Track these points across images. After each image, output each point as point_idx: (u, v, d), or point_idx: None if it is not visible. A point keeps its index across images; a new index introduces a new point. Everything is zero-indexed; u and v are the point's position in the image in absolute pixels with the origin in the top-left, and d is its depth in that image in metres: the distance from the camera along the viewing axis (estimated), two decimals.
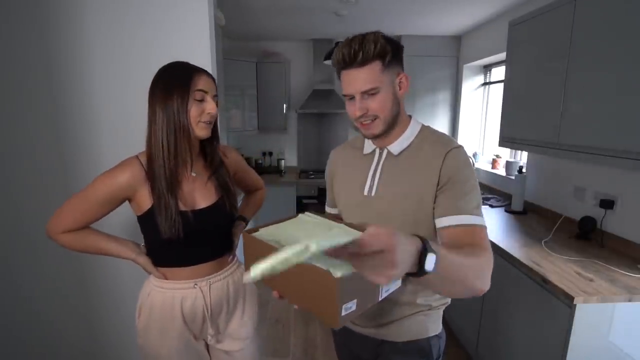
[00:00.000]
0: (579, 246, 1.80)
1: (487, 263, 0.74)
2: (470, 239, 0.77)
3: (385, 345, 0.98)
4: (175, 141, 0.96)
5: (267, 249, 0.75)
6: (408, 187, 0.87)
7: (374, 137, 0.89)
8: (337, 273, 0.63)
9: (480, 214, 0.80)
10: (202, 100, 0.97)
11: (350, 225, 0.85)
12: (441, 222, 0.81)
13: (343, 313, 0.66)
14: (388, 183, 0.90)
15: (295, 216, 0.93)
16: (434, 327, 0.98)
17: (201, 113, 0.97)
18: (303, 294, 0.74)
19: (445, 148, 0.85)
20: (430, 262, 0.55)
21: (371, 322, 0.97)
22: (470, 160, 0.87)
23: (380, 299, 0.76)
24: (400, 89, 0.86)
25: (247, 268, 0.84)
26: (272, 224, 0.87)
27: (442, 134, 0.92)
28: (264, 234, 0.82)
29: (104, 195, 0.97)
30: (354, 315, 0.70)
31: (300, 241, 0.72)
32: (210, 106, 0.98)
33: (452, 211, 0.80)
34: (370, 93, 0.82)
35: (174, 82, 0.95)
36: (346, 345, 1.09)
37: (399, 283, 0.79)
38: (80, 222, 1.01)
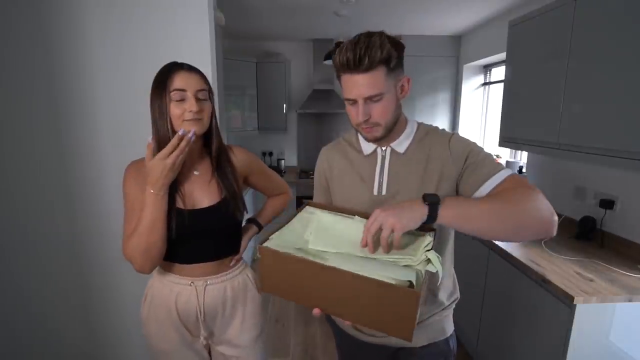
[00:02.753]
0: (579, 246, 1.80)
1: (529, 197, 0.75)
2: (513, 188, 0.80)
3: (401, 352, 0.95)
4: (160, 145, 0.95)
5: (296, 263, 0.71)
6: (421, 181, 0.87)
7: (375, 140, 0.89)
8: (412, 279, 0.62)
9: (502, 167, 0.84)
10: (182, 100, 0.94)
11: (351, 212, 0.86)
12: (481, 193, 0.82)
13: (417, 321, 0.64)
14: (399, 181, 0.89)
15: (297, 213, 0.90)
16: (449, 326, 0.97)
17: (183, 112, 0.95)
18: (360, 309, 0.69)
19: (446, 137, 0.89)
20: (430, 198, 0.72)
21: None
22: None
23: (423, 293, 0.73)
24: (401, 92, 0.85)
25: (265, 286, 0.79)
26: (277, 228, 0.83)
27: (437, 127, 0.94)
28: (279, 243, 0.77)
29: (134, 194, 0.98)
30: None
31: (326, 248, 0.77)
32: (189, 104, 0.94)
33: (482, 179, 0.82)
34: (374, 99, 0.80)
35: (155, 86, 0.96)
36: (354, 356, 1.05)
37: (440, 273, 0.72)
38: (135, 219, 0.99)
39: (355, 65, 0.77)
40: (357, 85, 0.79)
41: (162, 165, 0.89)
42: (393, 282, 0.62)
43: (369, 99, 0.80)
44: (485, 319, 1.99)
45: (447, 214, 0.71)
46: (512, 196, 0.75)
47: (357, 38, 0.78)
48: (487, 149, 0.93)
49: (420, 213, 0.71)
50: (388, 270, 0.66)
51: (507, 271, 1.75)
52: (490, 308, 1.94)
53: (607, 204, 1.80)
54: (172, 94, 0.93)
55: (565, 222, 2.05)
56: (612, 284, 1.40)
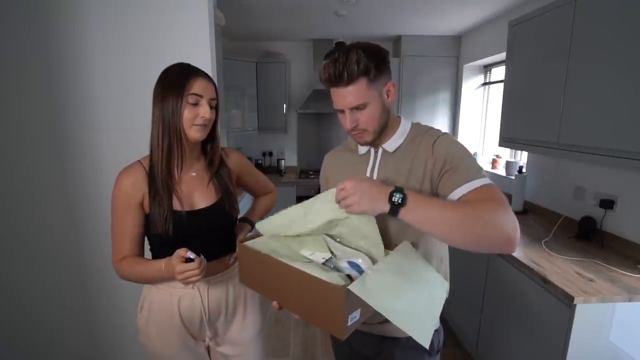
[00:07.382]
0: (579, 246, 1.80)
1: (494, 210, 0.74)
2: (483, 199, 0.79)
3: (387, 342, 1.00)
4: (169, 142, 0.97)
5: (262, 259, 0.81)
6: (406, 180, 0.91)
7: (367, 144, 0.96)
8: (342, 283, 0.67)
9: (480, 175, 0.82)
10: (196, 104, 0.97)
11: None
12: (452, 197, 0.83)
13: (349, 323, 0.68)
14: (386, 177, 0.94)
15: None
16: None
17: (195, 117, 0.97)
18: (305, 304, 0.75)
19: (432, 138, 0.91)
20: (397, 197, 0.74)
21: (373, 319, 0.97)
22: (458, 140, 0.92)
23: None
24: (388, 97, 0.90)
25: (242, 277, 0.90)
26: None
27: (430, 127, 0.97)
28: (257, 243, 0.87)
29: (123, 206, 1.00)
30: (357, 324, 0.72)
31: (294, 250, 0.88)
32: (203, 110, 0.97)
33: (457, 184, 0.82)
34: (359, 108, 0.87)
35: (169, 84, 0.96)
36: (346, 344, 1.09)
37: None
38: (124, 240, 1.01)
39: (337, 80, 0.84)
40: (342, 98, 0.87)
41: (180, 277, 0.91)
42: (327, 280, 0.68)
43: (355, 108, 0.87)
44: (485, 319, 1.99)
45: (408, 214, 0.74)
46: (477, 206, 0.74)
47: (336, 55, 0.84)
48: (475, 151, 0.93)
49: (381, 207, 0.75)
50: (331, 276, 0.72)
51: (507, 271, 1.75)
52: (490, 308, 1.94)
53: (607, 204, 1.80)
54: (189, 97, 0.95)
55: (565, 222, 2.05)
56: (612, 284, 1.40)
